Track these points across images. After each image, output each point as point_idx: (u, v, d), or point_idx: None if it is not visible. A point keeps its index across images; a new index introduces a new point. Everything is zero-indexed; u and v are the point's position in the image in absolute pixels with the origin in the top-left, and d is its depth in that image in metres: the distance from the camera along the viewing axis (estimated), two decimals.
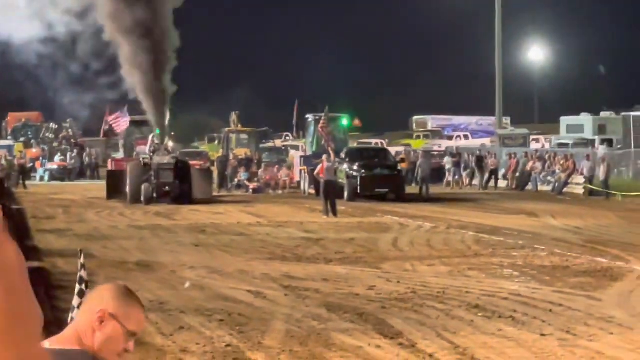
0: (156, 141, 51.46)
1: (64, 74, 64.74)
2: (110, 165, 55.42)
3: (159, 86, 50.68)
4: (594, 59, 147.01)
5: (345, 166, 50.72)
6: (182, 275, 24.05)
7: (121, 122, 76.47)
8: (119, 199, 47.36)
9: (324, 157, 46.36)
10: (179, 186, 47.37)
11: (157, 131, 52.45)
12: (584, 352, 15.43)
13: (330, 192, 41.98)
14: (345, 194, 48.58)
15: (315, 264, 26.21)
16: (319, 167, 45.26)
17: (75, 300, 11.02)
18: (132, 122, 70.49)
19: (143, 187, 46.73)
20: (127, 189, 47.41)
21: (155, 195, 46.79)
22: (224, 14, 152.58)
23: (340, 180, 47.09)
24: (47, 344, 4.79)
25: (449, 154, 71.97)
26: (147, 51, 49.96)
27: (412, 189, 57.17)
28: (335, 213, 40.95)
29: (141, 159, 50.23)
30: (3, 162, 68.00)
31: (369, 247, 29.99)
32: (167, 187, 47.04)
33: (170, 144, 53.42)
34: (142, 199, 46.30)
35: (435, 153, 73.13)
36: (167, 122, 53.01)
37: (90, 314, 4.88)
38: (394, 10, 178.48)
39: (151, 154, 49.95)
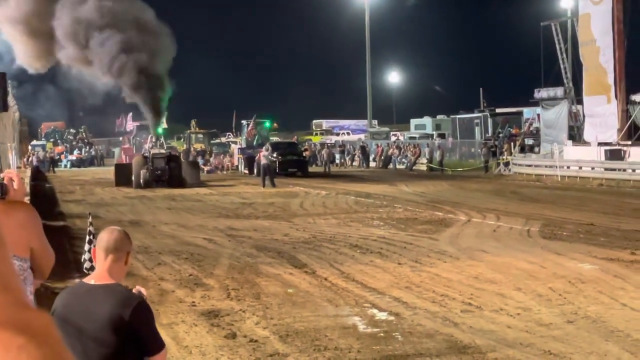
0: (154, 140, 48.22)
1: (80, 97, 63.89)
2: (122, 155, 54.03)
3: (157, 104, 46.94)
4: (433, 81, 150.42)
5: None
6: (160, 229, 23.86)
7: (129, 124, 76.66)
8: (126, 185, 42.93)
9: (263, 148, 46.13)
10: (169, 171, 42.76)
11: (157, 132, 48.45)
12: (427, 274, 15.50)
13: (266, 171, 41.37)
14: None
15: (249, 220, 26.07)
16: (259, 154, 44.88)
17: (86, 246, 10.88)
18: (139, 126, 69.18)
19: (141, 172, 42.12)
20: (133, 177, 42.63)
21: (150, 178, 42.11)
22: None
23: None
24: (92, 280, 4.66)
25: (338, 145, 72.44)
26: (148, 89, 46.17)
27: (315, 168, 57.19)
28: (273, 185, 40.47)
29: (142, 154, 45.91)
30: (39, 155, 67.94)
31: (284, 208, 29.86)
32: (159, 171, 42.42)
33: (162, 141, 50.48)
34: (141, 182, 41.88)
35: (329, 145, 73.32)
36: (161, 128, 50.18)
37: (121, 253, 4.68)
38: (301, 48, 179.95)
39: (150, 149, 45.77)
